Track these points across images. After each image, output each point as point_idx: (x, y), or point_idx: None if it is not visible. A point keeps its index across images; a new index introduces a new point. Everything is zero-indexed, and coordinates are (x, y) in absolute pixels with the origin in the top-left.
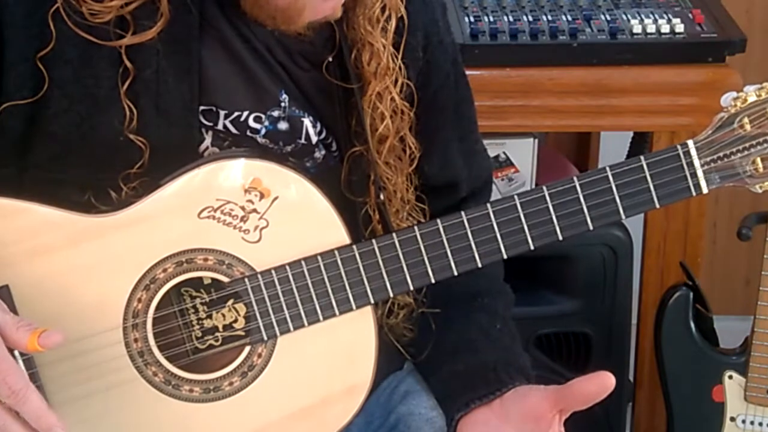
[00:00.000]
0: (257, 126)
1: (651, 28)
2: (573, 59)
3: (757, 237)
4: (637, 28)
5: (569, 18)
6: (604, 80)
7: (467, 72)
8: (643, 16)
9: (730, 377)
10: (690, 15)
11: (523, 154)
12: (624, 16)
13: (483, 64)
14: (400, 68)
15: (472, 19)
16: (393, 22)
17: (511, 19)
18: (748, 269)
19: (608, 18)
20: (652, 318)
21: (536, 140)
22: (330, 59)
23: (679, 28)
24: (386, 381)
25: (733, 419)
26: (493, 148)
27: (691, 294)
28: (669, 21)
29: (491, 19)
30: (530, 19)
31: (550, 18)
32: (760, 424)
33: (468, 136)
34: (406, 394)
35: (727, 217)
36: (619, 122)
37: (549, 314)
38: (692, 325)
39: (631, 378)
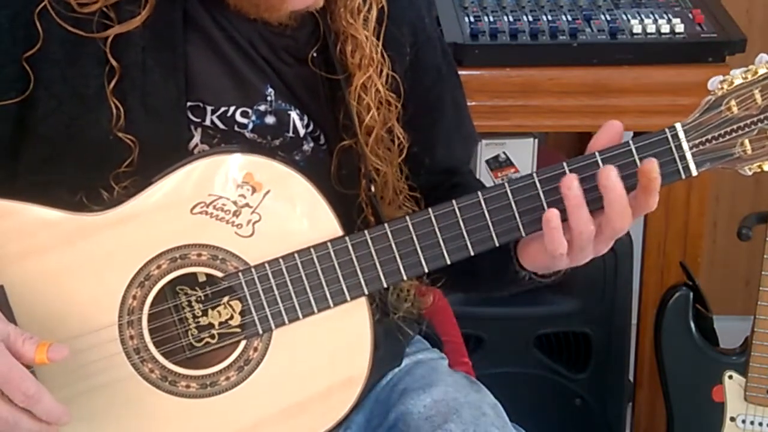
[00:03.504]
0: (244, 121)
1: (651, 28)
2: (573, 59)
3: (757, 237)
4: (637, 28)
5: (569, 18)
6: (604, 80)
7: (467, 72)
8: (643, 16)
9: (730, 377)
10: (690, 15)
11: (523, 154)
12: (624, 16)
13: (483, 64)
14: (383, 58)
15: (472, 19)
16: (374, 13)
17: (511, 19)
18: (748, 269)
19: (608, 18)
20: (652, 318)
21: (536, 140)
22: (314, 53)
23: (679, 28)
24: (385, 379)
25: (733, 419)
26: (493, 148)
27: (691, 294)
28: (669, 21)
29: (491, 19)
30: (530, 19)
31: (550, 18)
32: (760, 424)
33: (464, 121)
34: (405, 393)
35: (727, 217)
36: None
37: (549, 314)
38: (692, 325)
39: (631, 378)
